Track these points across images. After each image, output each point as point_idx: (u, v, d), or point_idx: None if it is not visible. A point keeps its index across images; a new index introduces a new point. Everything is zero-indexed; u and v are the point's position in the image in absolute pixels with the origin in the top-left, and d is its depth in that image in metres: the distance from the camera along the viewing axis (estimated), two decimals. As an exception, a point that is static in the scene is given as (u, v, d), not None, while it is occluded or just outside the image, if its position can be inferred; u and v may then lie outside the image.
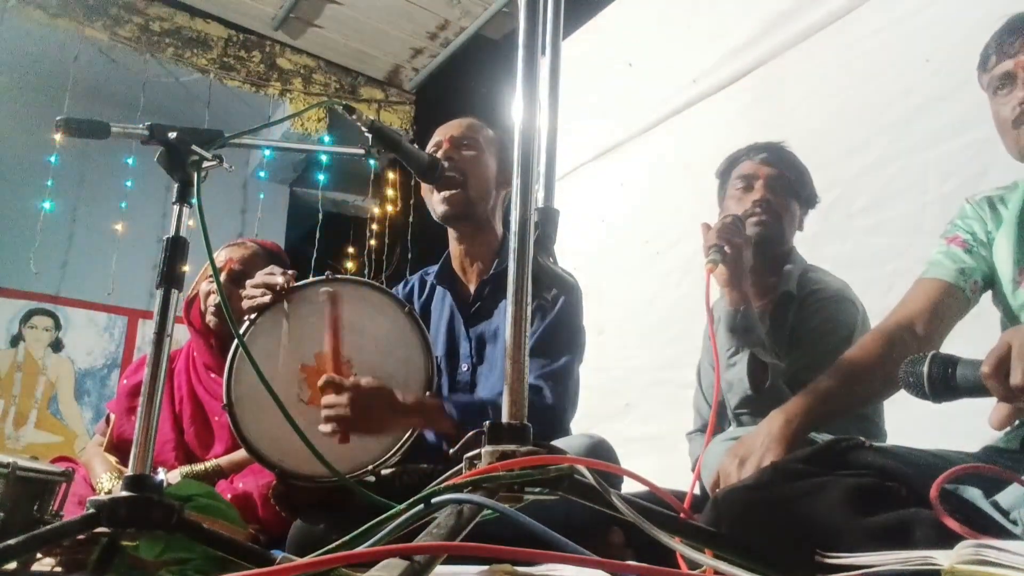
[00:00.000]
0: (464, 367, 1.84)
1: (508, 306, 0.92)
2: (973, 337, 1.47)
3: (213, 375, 2.31)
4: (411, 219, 5.16)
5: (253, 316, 1.60)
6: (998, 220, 1.42)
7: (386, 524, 0.82)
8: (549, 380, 1.69)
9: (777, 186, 1.77)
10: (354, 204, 5.73)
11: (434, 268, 1.99)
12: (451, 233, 1.94)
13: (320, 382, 1.51)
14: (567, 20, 1.17)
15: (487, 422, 0.89)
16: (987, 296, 1.45)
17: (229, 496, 2.01)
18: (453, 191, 1.83)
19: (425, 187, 1.90)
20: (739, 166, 1.82)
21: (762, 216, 1.73)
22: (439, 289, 1.95)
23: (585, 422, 1.93)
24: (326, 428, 1.48)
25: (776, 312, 1.75)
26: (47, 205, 4.34)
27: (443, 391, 1.82)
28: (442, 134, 1.93)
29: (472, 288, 1.91)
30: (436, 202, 1.87)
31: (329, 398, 1.49)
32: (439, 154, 1.86)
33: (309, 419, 1.51)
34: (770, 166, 1.78)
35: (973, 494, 1.04)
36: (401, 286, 2.04)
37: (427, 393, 1.61)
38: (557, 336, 1.75)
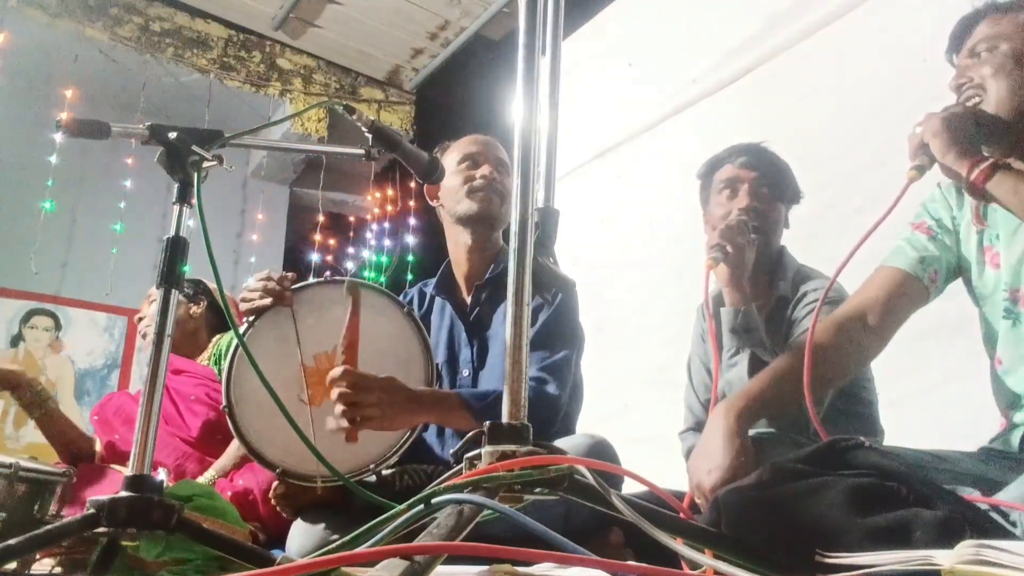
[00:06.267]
0: (465, 372, 1.84)
1: (508, 306, 0.92)
2: (968, 339, 1.48)
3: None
4: (411, 220, 5.16)
5: (252, 318, 1.60)
6: (964, 204, 1.41)
7: (386, 524, 0.82)
8: (551, 372, 1.69)
9: (762, 190, 1.76)
10: (354, 204, 5.74)
11: (432, 280, 2.00)
12: (461, 238, 1.92)
13: (332, 375, 1.45)
14: (567, 20, 1.17)
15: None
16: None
17: (229, 493, 2.02)
18: (495, 198, 1.87)
19: (457, 182, 1.90)
20: (720, 170, 1.82)
21: (752, 223, 1.72)
22: (438, 300, 1.96)
23: (585, 422, 1.93)
24: (333, 425, 1.44)
25: (773, 314, 1.75)
26: (47, 205, 4.34)
27: None
28: (480, 150, 1.93)
29: (470, 296, 1.91)
30: (474, 199, 1.87)
31: (344, 392, 1.44)
32: (479, 173, 1.88)
33: (310, 420, 1.51)
34: (752, 169, 1.77)
35: (972, 495, 1.04)
36: (400, 298, 2.05)
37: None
38: (556, 330, 1.76)
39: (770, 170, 1.79)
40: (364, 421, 1.44)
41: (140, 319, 2.58)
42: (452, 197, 1.91)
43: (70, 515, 1.16)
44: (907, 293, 1.39)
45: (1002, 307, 1.30)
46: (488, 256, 1.92)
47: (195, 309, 2.59)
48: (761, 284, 1.77)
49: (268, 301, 1.58)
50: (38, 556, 1.23)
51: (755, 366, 1.60)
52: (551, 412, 1.67)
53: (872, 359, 1.40)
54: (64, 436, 2.38)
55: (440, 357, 1.86)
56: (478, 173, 1.89)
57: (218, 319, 2.63)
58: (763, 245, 1.73)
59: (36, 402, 2.31)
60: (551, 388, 1.67)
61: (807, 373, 1.21)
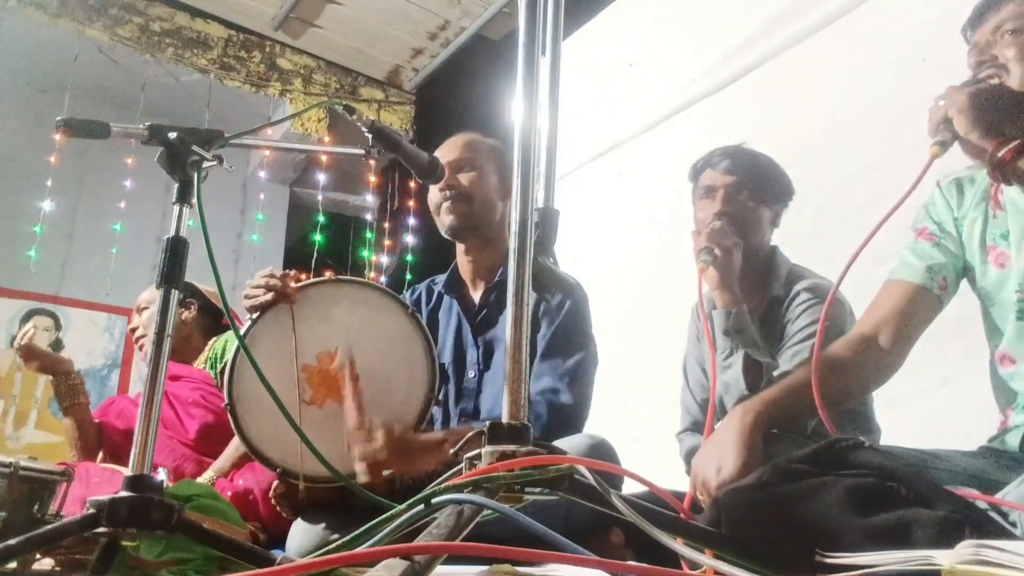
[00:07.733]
0: (471, 373, 1.84)
1: (508, 306, 0.92)
2: (967, 339, 1.48)
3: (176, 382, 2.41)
4: (411, 220, 5.16)
5: (254, 316, 1.60)
6: (964, 203, 1.39)
7: (386, 524, 0.82)
8: (564, 380, 1.69)
9: (736, 195, 1.75)
10: (354, 204, 5.73)
11: (441, 277, 2.00)
12: (459, 246, 1.95)
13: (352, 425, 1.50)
14: (567, 20, 1.17)
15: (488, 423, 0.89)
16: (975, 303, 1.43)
17: (229, 493, 2.01)
18: (459, 205, 1.86)
19: (432, 203, 1.92)
20: (703, 175, 1.82)
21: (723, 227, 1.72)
22: (446, 298, 1.96)
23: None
24: (361, 471, 1.48)
25: (766, 315, 1.75)
26: (47, 205, 4.34)
27: (450, 398, 1.84)
28: (441, 158, 1.93)
29: (478, 297, 1.91)
30: (443, 214, 1.88)
31: (363, 447, 1.48)
32: (439, 187, 1.87)
33: (310, 419, 1.51)
34: (730, 175, 1.76)
35: (972, 495, 1.04)
36: (408, 294, 2.04)
37: (435, 405, 1.62)
38: (567, 337, 1.76)
39: (749, 174, 1.78)
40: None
41: (133, 330, 2.57)
42: (434, 214, 1.95)
43: (69, 515, 1.16)
44: (919, 307, 1.37)
45: (1015, 308, 1.28)
46: (493, 257, 1.91)
47: (186, 314, 2.57)
48: (753, 285, 1.77)
49: (270, 296, 1.58)
50: (38, 556, 1.23)
51: (749, 367, 1.60)
52: (563, 422, 1.67)
53: (892, 375, 1.38)
54: (85, 432, 2.41)
55: (447, 357, 1.87)
56: (438, 187, 1.88)
57: (211, 321, 2.62)
58: (744, 248, 1.73)
59: (69, 393, 2.37)
60: (564, 397, 1.67)
61: (815, 387, 1.20)
